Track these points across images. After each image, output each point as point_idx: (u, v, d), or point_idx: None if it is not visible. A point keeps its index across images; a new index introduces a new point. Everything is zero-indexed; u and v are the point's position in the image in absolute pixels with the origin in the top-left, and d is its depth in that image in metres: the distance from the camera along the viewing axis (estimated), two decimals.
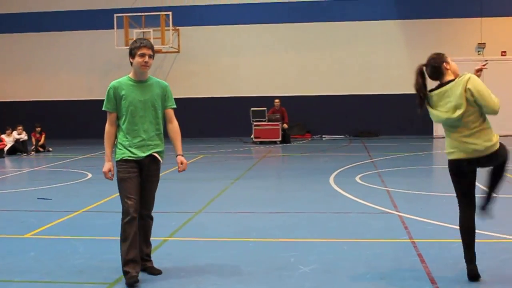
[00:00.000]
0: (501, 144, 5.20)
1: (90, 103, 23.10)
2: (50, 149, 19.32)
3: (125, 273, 5.36)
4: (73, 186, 11.52)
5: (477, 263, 5.28)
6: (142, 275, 5.51)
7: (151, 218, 5.69)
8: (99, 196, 10.01)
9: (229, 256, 6.34)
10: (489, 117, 5.21)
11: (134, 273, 5.34)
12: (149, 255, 5.71)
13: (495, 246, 6.35)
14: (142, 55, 5.40)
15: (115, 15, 21.64)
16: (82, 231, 7.67)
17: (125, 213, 5.37)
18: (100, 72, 23.43)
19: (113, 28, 21.59)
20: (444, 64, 5.23)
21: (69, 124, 23.79)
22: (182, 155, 5.66)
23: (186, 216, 8.37)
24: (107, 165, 5.48)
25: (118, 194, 5.44)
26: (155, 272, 5.63)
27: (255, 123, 20.40)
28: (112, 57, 22.91)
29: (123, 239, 5.38)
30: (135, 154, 5.41)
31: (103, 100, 5.48)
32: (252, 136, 20.69)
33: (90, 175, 12.82)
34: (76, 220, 8.37)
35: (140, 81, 5.50)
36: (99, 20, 23.26)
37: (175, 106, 5.69)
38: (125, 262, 5.36)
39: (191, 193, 10.46)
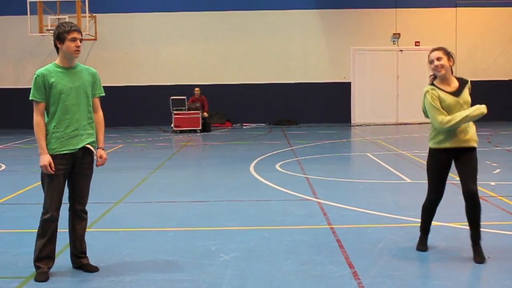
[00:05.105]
0: None
1: (2, 92, 22.25)
2: None
3: (37, 267, 5.23)
4: None
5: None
6: (64, 270, 5.39)
7: (86, 213, 5.45)
8: (13, 188, 9.60)
9: (149, 246, 6.28)
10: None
11: (45, 269, 5.21)
12: (84, 252, 5.48)
13: (409, 230, 6.55)
14: (74, 40, 5.15)
15: (28, 0, 20.85)
16: None
17: (45, 210, 5.20)
18: (13, 59, 22.56)
19: (26, 14, 20.81)
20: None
21: None
22: (103, 149, 5.49)
23: (105, 206, 8.21)
24: (45, 158, 5.08)
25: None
26: (92, 269, 5.40)
27: (175, 112, 20.23)
28: (25, 45, 22.15)
29: (40, 235, 5.22)
30: (67, 148, 5.16)
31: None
32: (172, 125, 20.52)
33: (3, 167, 12.36)
34: None
35: (69, 67, 5.24)
36: (11, 5, 22.36)
37: (103, 94, 5.49)
38: (38, 258, 5.22)
39: (110, 183, 10.27)
